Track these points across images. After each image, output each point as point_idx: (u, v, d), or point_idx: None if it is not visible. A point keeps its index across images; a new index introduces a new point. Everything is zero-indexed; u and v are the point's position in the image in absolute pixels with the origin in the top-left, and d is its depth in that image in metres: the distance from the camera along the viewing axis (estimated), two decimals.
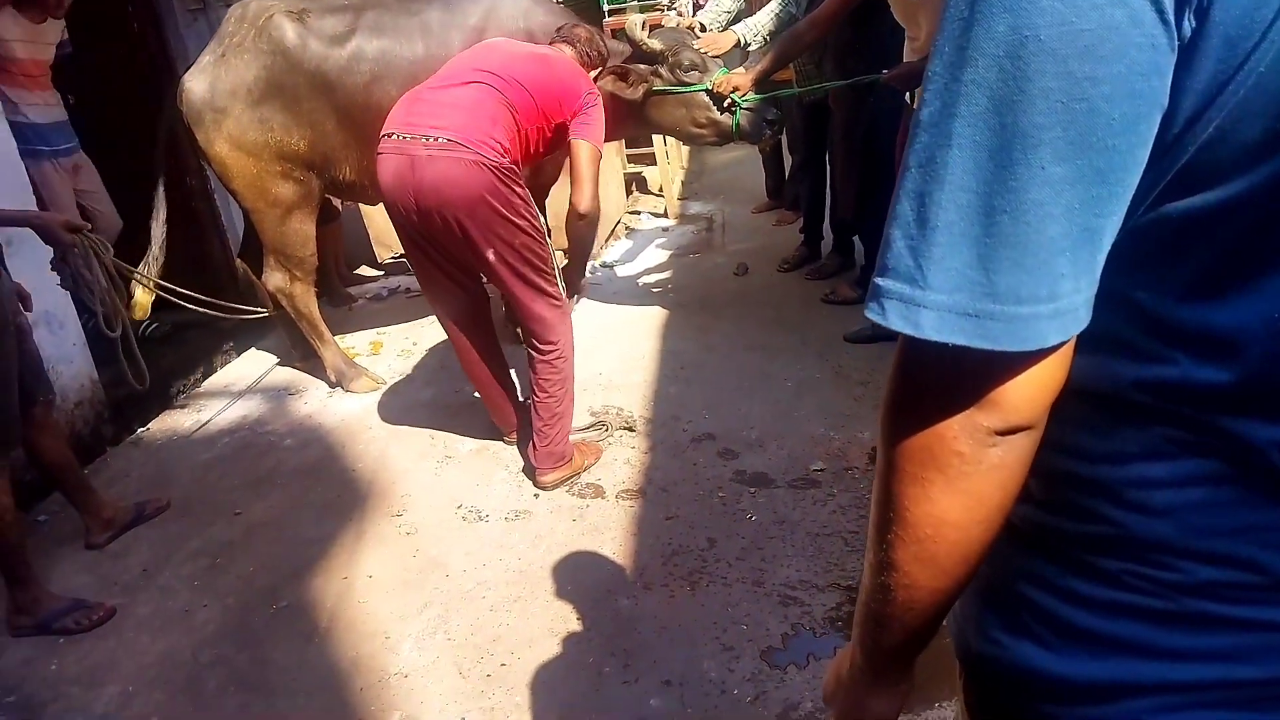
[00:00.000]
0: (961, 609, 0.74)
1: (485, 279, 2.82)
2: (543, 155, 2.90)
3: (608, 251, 5.32)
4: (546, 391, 2.80)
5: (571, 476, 2.90)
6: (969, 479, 0.59)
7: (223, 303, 3.56)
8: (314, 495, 3.05)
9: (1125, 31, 0.50)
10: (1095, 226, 0.53)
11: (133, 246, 4.28)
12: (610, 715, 1.98)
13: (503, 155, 2.55)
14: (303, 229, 3.60)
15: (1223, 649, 0.59)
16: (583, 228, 2.78)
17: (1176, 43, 0.50)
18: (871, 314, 0.59)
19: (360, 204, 4.71)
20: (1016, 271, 0.53)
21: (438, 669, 2.19)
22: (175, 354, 4.23)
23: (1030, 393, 0.57)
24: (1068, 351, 0.57)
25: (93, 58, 4.23)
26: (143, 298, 3.59)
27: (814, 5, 3.71)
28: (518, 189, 2.60)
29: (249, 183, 3.47)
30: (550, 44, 3.04)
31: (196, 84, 3.37)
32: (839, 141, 4.08)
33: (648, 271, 4.92)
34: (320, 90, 3.39)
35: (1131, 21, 0.50)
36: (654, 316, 4.19)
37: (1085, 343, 0.57)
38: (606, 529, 2.65)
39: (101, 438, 3.61)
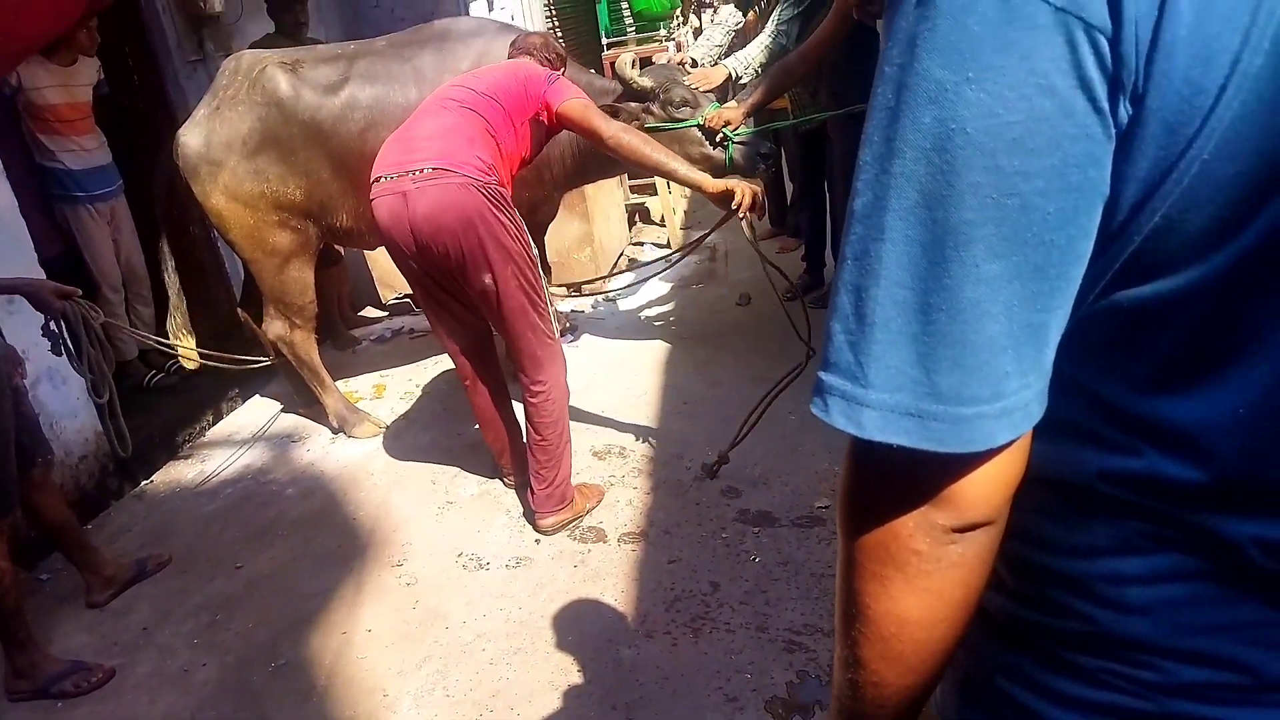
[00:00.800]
0: (942, 698, 0.72)
1: (487, 313, 2.79)
2: (529, 157, 2.86)
3: (609, 285, 5.31)
4: (540, 434, 2.77)
5: (573, 520, 2.87)
6: (929, 577, 0.56)
7: (224, 355, 3.57)
8: (315, 546, 3.03)
9: (1056, 123, 0.47)
10: (1038, 322, 0.51)
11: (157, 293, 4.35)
12: None
13: (488, 173, 2.56)
14: (301, 277, 3.61)
15: None
16: (621, 146, 2.67)
17: (1113, 130, 0.48)
18: (816, 410, 0.56)
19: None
20: (957, 371, 0.51)
21: None
22: (181, 403, 4.23)
23: (986, 490, 0.54)
24: (1024, 444, 0.54)
25: (109, 105, 4.29)
26: (188, 346, 3.72)
27: (804, 35, 3.71)
28: (508, 213, 2.59)
29: (246, 233, 3.48)
30: (510, 58, 3.03)
31: (191, 138, 3.39)
32: (838, 168, 4.07)
33: (650, 304, 4.91)
34: (315, 140, 3.40)
35: (1062, 112, 0.47)
36: (656, 350, 4.17)
37: (1048, 430, 0.54)
38: (608, 575, 2.61)
39: (107, 490, 3.61)
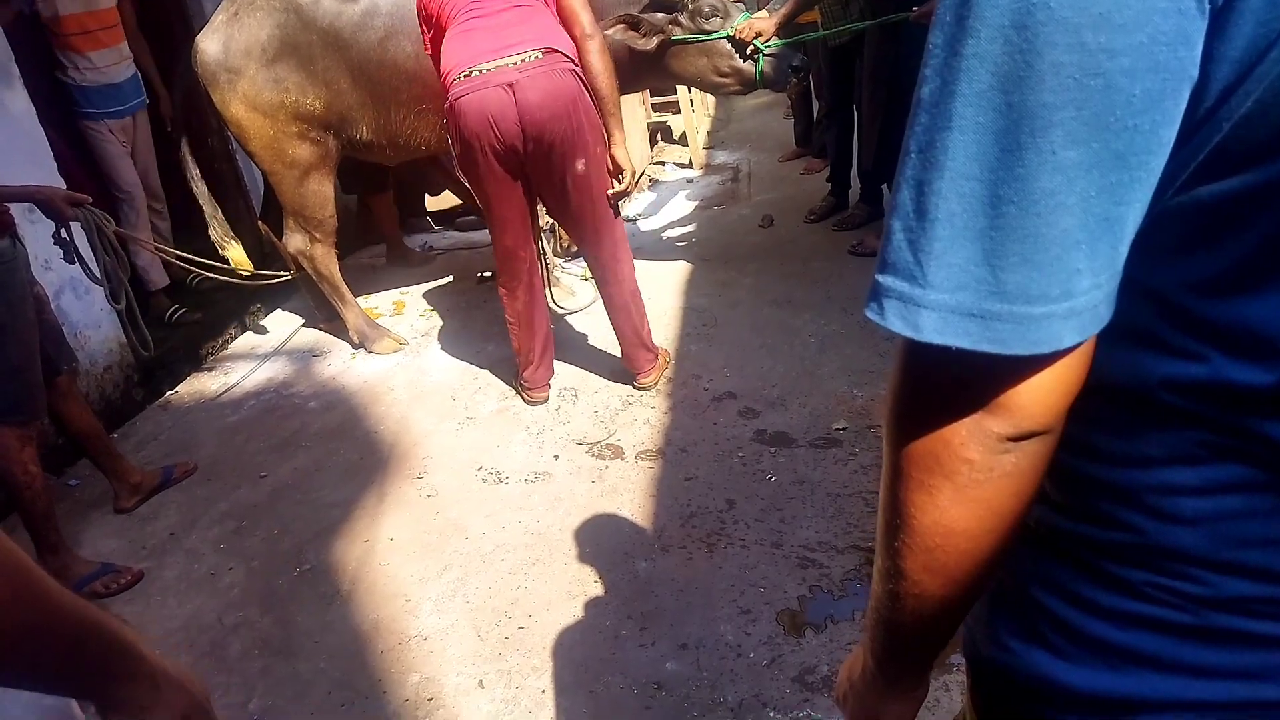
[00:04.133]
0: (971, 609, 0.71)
1: (566, 205, 2.82)
2: None
3: (631, 205, 5.24)
4: (626, 308, 2.98)
5: (663, 373, 3.16)
6: (980, 487, 0.55)
7: (244, 270, 3.56)
8: (337, 458, 3.07)
9: None
10: (1115, 216, 0.48)
11: (174, 208, 4.33)
12: (626, 679, 1.98)
13: (576, 58, 2.63)
14: (321, 190, 3.58)
15: (1249, 667, 0.55)
16: (595, 54, 2.67)
17: (1208, 5, 0.44)
18: (870, 314, 0.54)
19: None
20: (1026, 268, 0.48)
21: (456, 632, 2.20)
22: (204, 316, 4.26)
23: (1045, 396, 0.52)
24: (1087, 350, 0.52)
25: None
26: (236, 253, 3.65)
27: None
28: (589, 95, 2.67)
29: (266, 144, 3.44)
30: None
31: (210, 44, 3.33)
32: (866, 85, 3.95)
33: (671, 225, 4.85)
34: (334, 48, 3.33)
35: None
36: (677, 271, 4.13)
37: (1106, 334, 0.52)
38: (625, 490, 2.64)
39: (132, 401, 3.67)
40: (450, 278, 4.50)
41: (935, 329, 0.50)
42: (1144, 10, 0.44)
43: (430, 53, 2.82)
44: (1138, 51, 0.44)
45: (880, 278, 0.53)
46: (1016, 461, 0.54)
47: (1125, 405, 0.56)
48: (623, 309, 3.01)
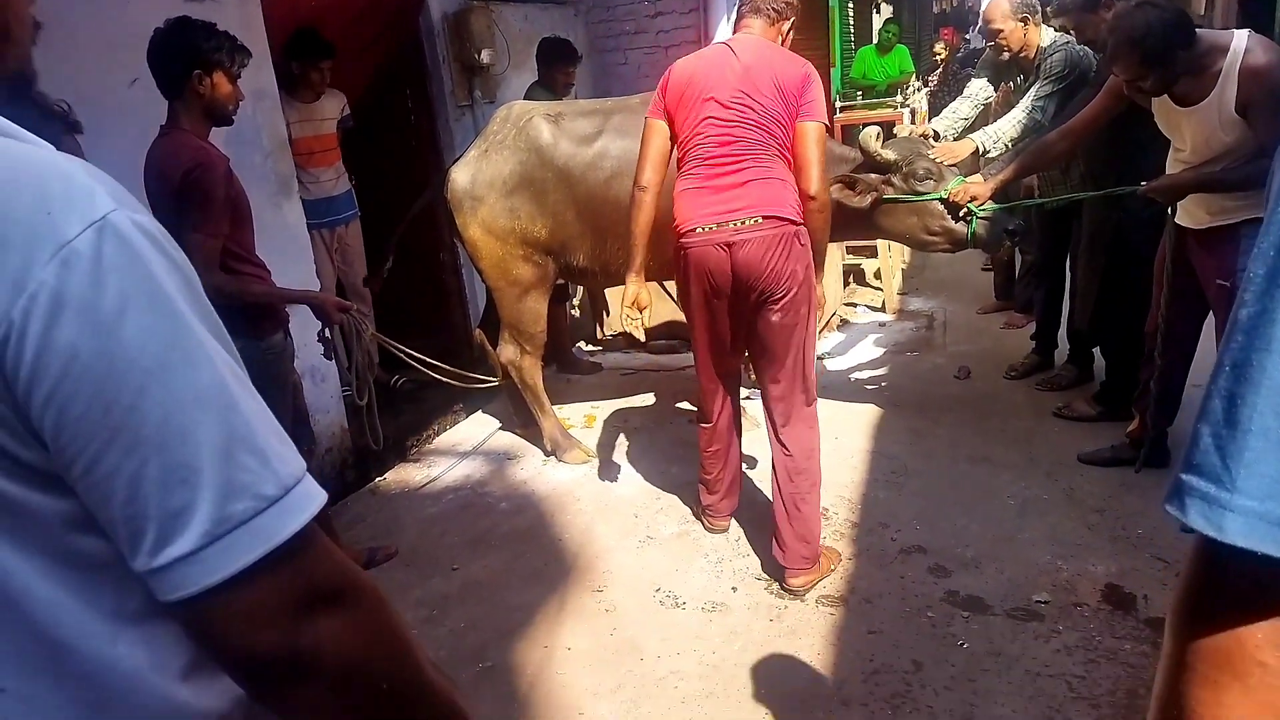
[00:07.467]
0: None
1: (766, 349, 2.82)
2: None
3: (820, 343, 5.28)
4: (800, 490, 2.79)
5: (818, 581, 2.83)
6: (1271, 691, 0.54)
7: (461, 372, 3.86)
8: (524, 561, 3.19)
9: None
10: None
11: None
12: None
13: (798, 213, 2.71)
14: (536, 307, 3.87)
15: None
16: (815, 214, 2.75)
17: None
18: (1171, 508, 0.57)
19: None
20: None
21: None
22: (412, 411, 4.62)
23: None
24: None
25: (374, 138, 4.81)
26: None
27: (1061, 112, 3.59)
28: (808, 252, 2.75)
29: (494, 263, 3.78)
30: (741, 26, 2.88)
31: (461, 175, 3.74)
32: (1084, 248, 3.87)
33: (860, 367, 4.83)
34: (565, 184, 3.66)
35: None
36: (866, 414, 4.10)
37: None
38: (804, 634, 2.59)
39: (345, 482, 3.99)
40: (640, 397, 4.67)
41: (1240, 533, 0.52)
42: None
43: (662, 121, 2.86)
44: None
45: (1185, 477, 0.56)
46: None
47: None
48: (791, 495, 2.79)
